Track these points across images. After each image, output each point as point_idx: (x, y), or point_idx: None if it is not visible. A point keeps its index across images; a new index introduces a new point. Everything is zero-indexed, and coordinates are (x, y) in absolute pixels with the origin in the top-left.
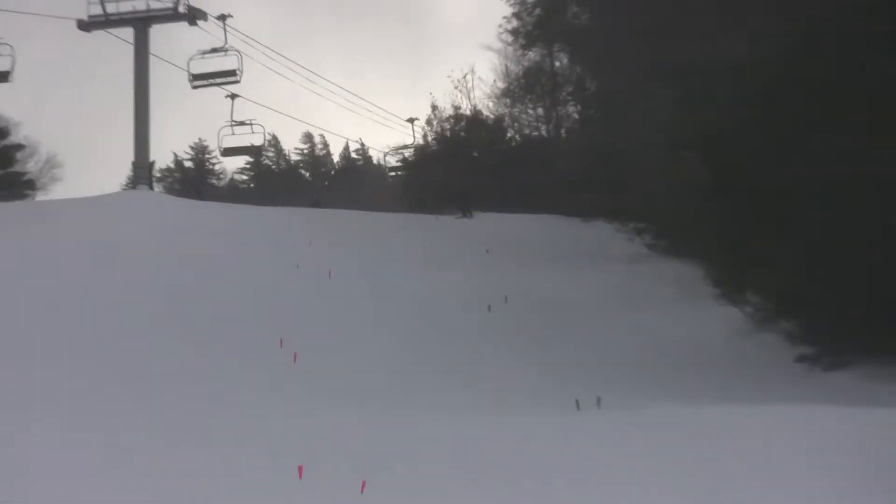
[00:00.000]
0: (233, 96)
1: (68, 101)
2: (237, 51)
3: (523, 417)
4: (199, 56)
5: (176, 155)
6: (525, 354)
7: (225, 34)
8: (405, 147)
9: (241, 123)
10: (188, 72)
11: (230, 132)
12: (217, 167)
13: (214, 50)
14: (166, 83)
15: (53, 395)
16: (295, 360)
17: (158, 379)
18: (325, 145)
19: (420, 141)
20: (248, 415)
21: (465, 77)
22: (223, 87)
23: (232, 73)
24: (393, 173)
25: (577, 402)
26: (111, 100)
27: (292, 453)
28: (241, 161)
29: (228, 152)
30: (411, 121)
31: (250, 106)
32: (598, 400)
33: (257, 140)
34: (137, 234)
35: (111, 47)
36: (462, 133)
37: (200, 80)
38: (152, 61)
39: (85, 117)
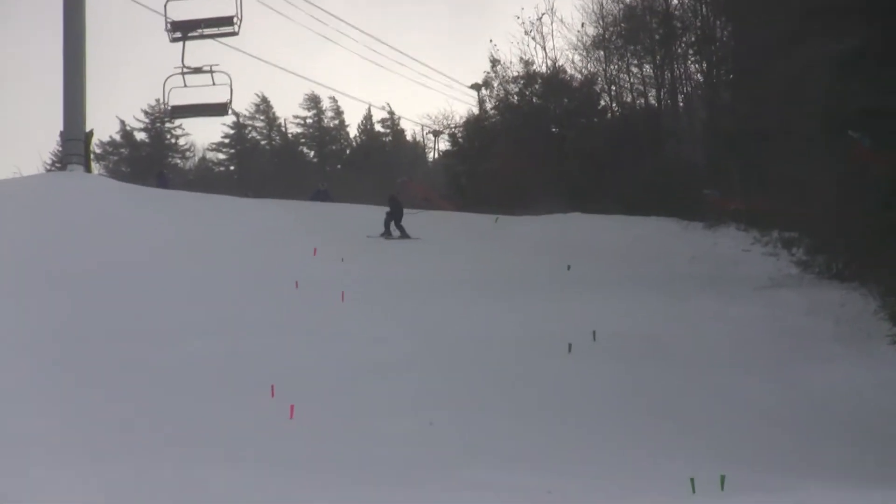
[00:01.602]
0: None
1: None
2: None
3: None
4: None
5: (124, 123)
6: (619, 415)
7: None
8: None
9: (198, 71)
10: (165, 18)
11: (181, 83)
12: (181, 140)
13: None
14: (114, 22)
15: None
16: (292, 416)
17: (102, 442)
18: (338, 113)
19: (474, 110)
20: (220, 501)
21: (540, 18)
22: (217, 39)
23: (228, 20)
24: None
25: (691, 481)
26: (31, 47)
27: None
28: (212, 129)
29: (179, 112)
30: (478, 87)
31: (224, 51)
32: (722, 479)
33: (221, 96)
34: (69, 237)
35: None
36: (535, 99)
37: (183, 28)
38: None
39: None
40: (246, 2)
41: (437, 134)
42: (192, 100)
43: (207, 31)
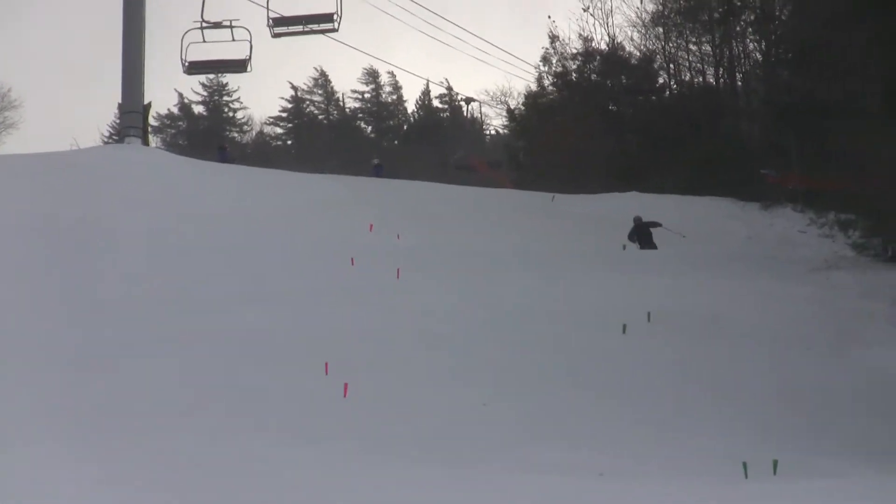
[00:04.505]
0: None
1: (30, 21)
2: None
3: (666, 485)
4: None
5: (181, 96)
6: (672, 396)
7: None
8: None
9: (217, 26)
10: (268, 14)
11: (199, 38)
12: (239, 114)
13: None
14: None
15: (39, 414)
16: (346, 395)
17: (155, 414)
18: (396, 88)
19: (532, 87)
20: (275, 478)
21: None
22: (322, 33)
23: (328, 17)
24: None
25: (744, 465)
26: (89, 19)
27: None
28: (270, 103)
29: (196, 67)
30: (560, 76)
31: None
32: (775, 464)
33: (240, 52)
34: (128, 209)
35: None
36: (594, 76)
37: (285, 24)
38: None
39: (54, 42)
40: None
41: (468, 101)
42: (210, 56)
43: (310, 26)
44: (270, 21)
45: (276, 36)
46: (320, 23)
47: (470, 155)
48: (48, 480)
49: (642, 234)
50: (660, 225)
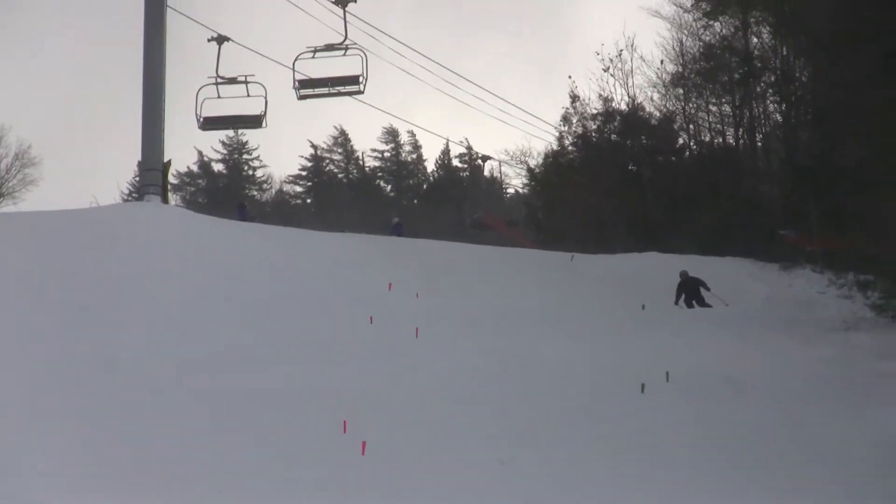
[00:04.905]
0: (220, 39)
1: (51, 79)
2: (361, 49)
3: None
4: (310, 55)
5: (201, 154)
6: (690, 456)
7: (345, 25)
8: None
9: (232, 81)
10: (294, 76)
11: (214, 93)
12: (258, 172)
13: (330, 47)
14: (194, 54)
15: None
16: (364, 453)
17: (171, 471)
18: (416, 147)
19: (553, 145)
20: None
21: (619, 55)
22: (349, 95)
23: (354, 79)
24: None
25: None
26: (110, 78)
27: None
28: (290, 161)
29: (211, 123)
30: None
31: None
32: None
33: (255, 108)
34: (147, 267)
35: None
36: (614, 136)
37: (311, 87)
38: (180, 23)
39: (75, 100)
40: (323, 34)
41: (485, 159)
42: (225, 111)
43: (337, 89)
44: (296, 84)
45: (301, 98)
46: (346, 85)
47: (486, 214)
48: None
49: (690, 289)
50: (708, 288)
